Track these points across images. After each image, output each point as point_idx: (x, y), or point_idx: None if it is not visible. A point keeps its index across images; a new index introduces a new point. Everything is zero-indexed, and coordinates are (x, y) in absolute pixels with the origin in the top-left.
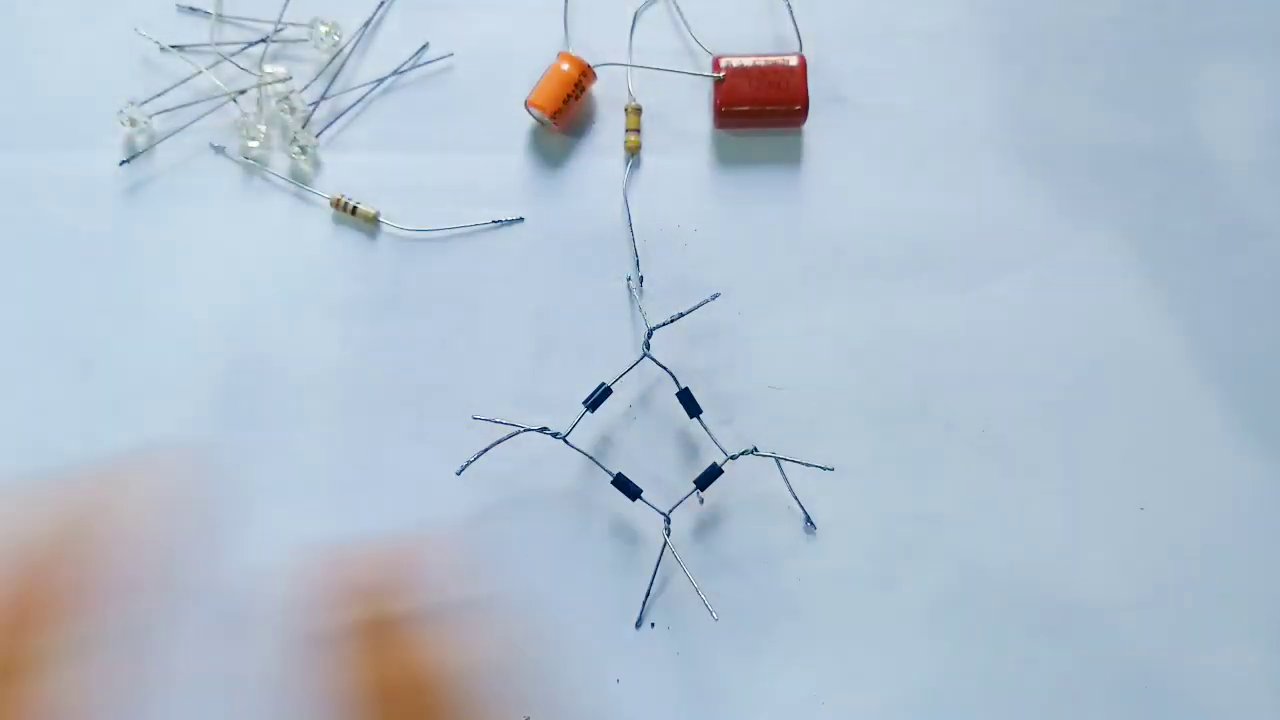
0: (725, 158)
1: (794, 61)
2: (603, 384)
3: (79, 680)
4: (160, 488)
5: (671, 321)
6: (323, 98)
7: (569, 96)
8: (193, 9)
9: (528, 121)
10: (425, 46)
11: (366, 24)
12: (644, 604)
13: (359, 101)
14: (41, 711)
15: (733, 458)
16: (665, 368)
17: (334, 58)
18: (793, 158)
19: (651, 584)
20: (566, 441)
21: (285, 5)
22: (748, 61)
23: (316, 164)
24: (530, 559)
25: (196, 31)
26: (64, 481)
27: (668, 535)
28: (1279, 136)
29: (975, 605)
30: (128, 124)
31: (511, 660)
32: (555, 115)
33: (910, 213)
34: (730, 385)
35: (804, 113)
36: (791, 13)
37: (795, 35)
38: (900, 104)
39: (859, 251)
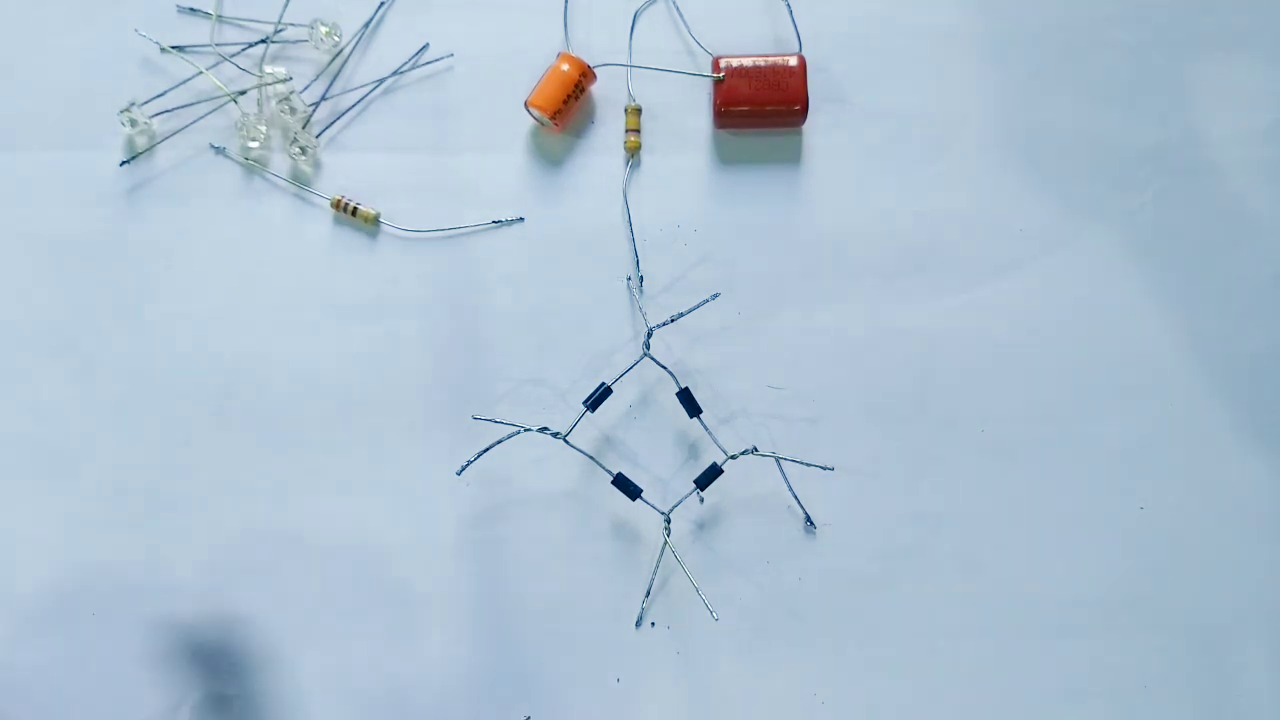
0: (725, 158)
1: (793, 62)
2: (603, 384)
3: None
4: None
5: (671, 321)
6: (323, 98)
7: (569, 97)
8: (193, 10)
9: (528, 122)
10: (425, 47)
11: (366, 25)
12: (644, 603)
13: (359, 102)
14: None
15: (733, 457)
16: (665, 367)
17: (334, 58)
18: (792, 158)
19: (651, 583)
20: (567, 441)
21: (285, 6)
22: (747, 62)
23: (317, 164)
24: (531, 558)
25: (197, 32)
26: None
27: (668, 535)
28: (1278, 136)
29: (975, 605)
30: (128, 125)
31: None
32: (555, 116)
33: (910, 212)
34: (730, 385)
35: (803, 113)
36: (791, 13)
37: (795, 36)
38: (900, 104)
39: (858, 251)
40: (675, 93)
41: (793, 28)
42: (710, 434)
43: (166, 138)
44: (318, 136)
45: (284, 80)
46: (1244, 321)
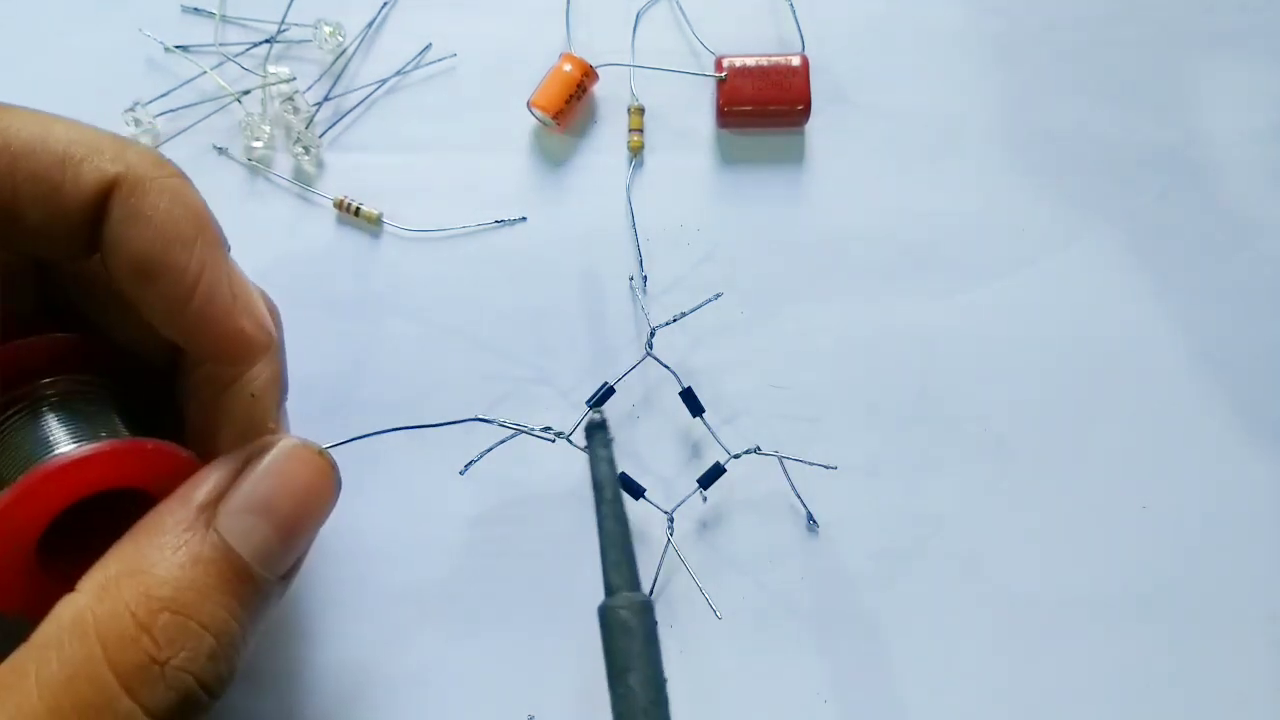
0: (728, 157)
1: (796, 61)
2: (605, 383)
3: None
4: None
5: (674, 321)
6: (326, 98)
7: (571, 97)
8: (197, 10)
9: (530, 122)
10: (428, 47)
11: (370, 24)
12: None
13: (362, 102)
14: None
15: (735, 456)
16: (668, 367)
17: (337, 58)
18: (795, 157)
19: (654, 582)
20: (570, 441)
21: (289, 6)
22: (750, 61)
23: (320, 164)
24: (533, 558)
25: (201, 32)
26: None
27: (671, 534)
28: (1279, 136)
29: (975, 605)
30: (133, 125)
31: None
32: (558, 115)
33: (912, 212)
34: (733, 384)
35: (806, 112)
36: (794, 12)
37: (798, 35)
38: (902, 104)
39: (861, 250)
40: (678, 92)
41: (796, 27)
42: (713, 433)
43: (170, 138)
44: (321, 136)
45: (288, 80)
46: (1245, 321)
